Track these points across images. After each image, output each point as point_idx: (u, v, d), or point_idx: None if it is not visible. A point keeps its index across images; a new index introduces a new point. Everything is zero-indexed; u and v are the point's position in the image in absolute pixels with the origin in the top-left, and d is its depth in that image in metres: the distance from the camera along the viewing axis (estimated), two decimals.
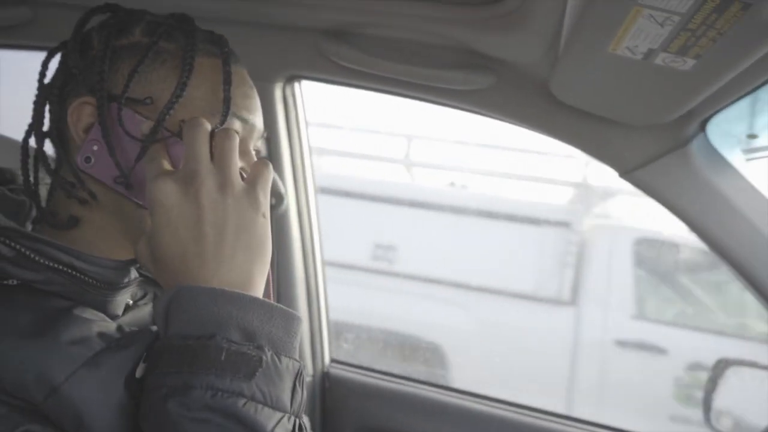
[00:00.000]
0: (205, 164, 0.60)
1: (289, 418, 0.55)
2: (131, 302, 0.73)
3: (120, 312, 0.69)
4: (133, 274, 0.69)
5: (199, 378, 0.53)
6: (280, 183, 1.23)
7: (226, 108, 0.66)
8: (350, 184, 3.78)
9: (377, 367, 1.44)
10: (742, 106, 0.92)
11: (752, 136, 1.01)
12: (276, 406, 0.54)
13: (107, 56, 0.64)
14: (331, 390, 1.41)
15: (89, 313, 0.62)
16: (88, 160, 0.64)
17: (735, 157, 1.06)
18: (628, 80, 0.84)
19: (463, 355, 3.35)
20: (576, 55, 0.84)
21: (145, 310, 0.75)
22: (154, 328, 0.67)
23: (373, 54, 1.06)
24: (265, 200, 0.62)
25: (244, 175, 0.64)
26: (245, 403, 0.53)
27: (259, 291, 0.60)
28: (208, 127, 0.62)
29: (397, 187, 3.90)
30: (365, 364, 1.41)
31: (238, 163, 0.62)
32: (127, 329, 0.65)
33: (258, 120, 0.71)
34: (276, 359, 0.55)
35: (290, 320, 0.58)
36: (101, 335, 0.60)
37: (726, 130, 1.01)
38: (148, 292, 0.79)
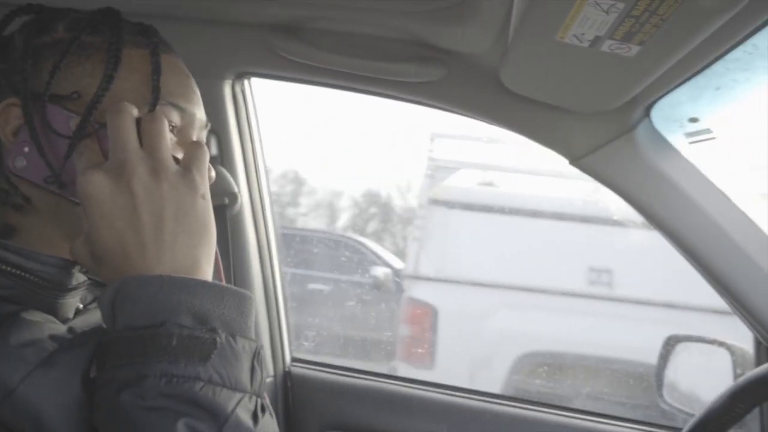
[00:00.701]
0: (133, 151, 0.58)
1: (250, 398, 0.54)
2: (81, 306, 0.71)
3: (71, 315, 0.67)
4: (82, 277, 0.68)
5: (152, 366, 0.51)
6: (232, 182, 1.21)
7: (155, 97, 0.64)
8: (558, 205, 3.46)
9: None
10: (684, 91, 0.96)
11: (693, 120, 1.05)
12: (235, 387, 0.53)
13: (29, 55, 0.63)
14: (294, 389, 1.40)
15: (38, 316, 0.61)
16: (20, 162, 0.62)
17: (678, 141, 1.10)
18: (576, 68, 0.86)
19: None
20: (524, 45, 0.85)
21: (96, 314, 0.73)
22: None
23: (323, 48, 1.05)
24: (203, 181, 0.60)
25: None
26: (202, 387, 0.52)
27: (206, 274, 0.59)
28: (134, 111, 0.60)
29: (605, 207, 3.48)
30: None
31: (169, 146, 0.60)
32: (78, 331, 0.63)
33: (198, 109, 0.70)
34: (231, 340, 0.54)
35: (243, 300, 0.57)
36: (52, 337, 0.59)
37: (669, 115, 1.05)
38: (98, 296, 0.77)
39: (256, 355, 0.56)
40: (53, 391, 0.55)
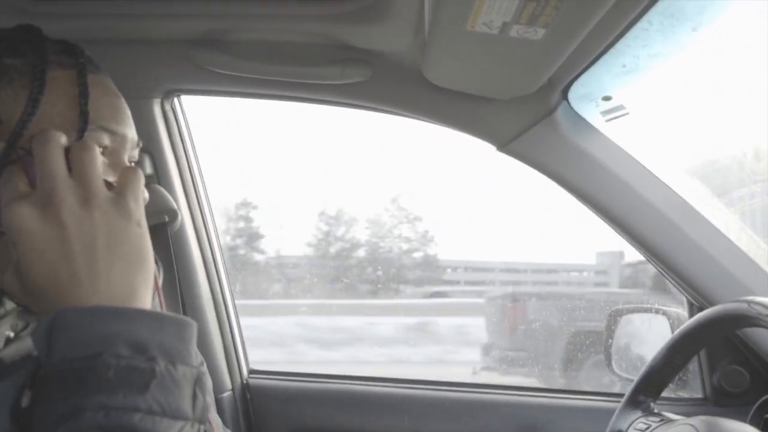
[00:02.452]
0: (61, 180, 0.56)
1: (192, 425, 0.54)
2: (12, 335, 0.68)
3: (0, 345, 0.65)
4: (9, 304, 0.65)
5: (89, 399, 0.50)
6: (170, 199, 1.21)
7: (83, 122, 0.63)
8: None
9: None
10: (594, 71, 1.02)
11: (607, 98, 1.11)
12: (176, 416, 0.52)
13: None
14: (254, 401, 1.40)
15: None
16: None
17: (596, 119, 1.16)
18: (491, 55, 0.91)
19: None
20: (441, 38, 0.89)
21: (28, 342, 0.70)
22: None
23: (247, 58, 1.07)
24: (137, 208, 0.59)
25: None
26: (141, 418, 0.50)
27: (145, 302, 0.58)
28: (62, 139, 0.58)
29: None
30: None
31: (101, 173, 0.58)
32: (8, 361, 0.61)
33: (129, 130, 0.68)
34: (171, 368, 0.53)
35: (183, 327, 0.56)
36: None
37: (584, 95, 1.11)
38: (31, 323, 0.72)
39: (198, 382, 0.55)
40: None
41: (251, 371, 1.45)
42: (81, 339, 0.52)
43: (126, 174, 0.60)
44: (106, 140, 0.65)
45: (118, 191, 0.58)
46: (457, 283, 8.05)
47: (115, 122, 0.66)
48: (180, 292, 1.27)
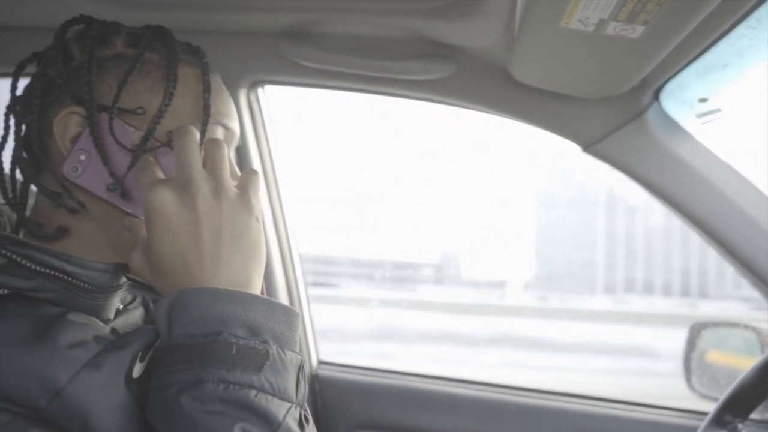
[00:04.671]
0: (199, 171, 0.61)
1: (295, 408, 0.57)
2: (121, 306, 0.74)
3: (111, 316, 0.70)
4: (122, 278, 0.70)
5: (211, 372, 0.54)
6: None
7: (206, 115, 0.68)
8: None
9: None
10: (691, 71, 0.97)
11: (703, 100, 1.05)
12: (284, 397, 0.56)
13: (93, 66, 0.66)
14: (322, 392, 1.42)
15: (82, 318, 0.63)
16: (75, 169, 0.65)
17: (689, 122, 1.10)
18: (583, 53, 0.87)
19: None
20: (531, 34, 0.87)
21: (136, 314, 0.76)
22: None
23: (333, 51, 1.08)
24: (257, 204, 0.64)
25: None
26: (256, 395, 0.55)
27: (257, 291, 0.62)
28: (198, 135, 0.64)
29: None
30: None
31: (229, 170, 0.64)
32: (120, 332, 0.66)
33: (236, 126, 0.74)
34: (281, 352, 0.58)
35: (291, 316, 0.61)
36: (97, 338, 0.61)
37: (678, 97, 1.06)
38: (137, 296, 0.80)
39: (300, 368, 0.60)
40: (100, 392, 0.58)
41: (320, 362, 1.47)
42: (201, 317, 0.57)
43: (249, 174, 0.66)
44: (220, 133, 0.71)
45: (242, 187, 0.64)
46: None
47: (228, 118, 0.72)
48: None
